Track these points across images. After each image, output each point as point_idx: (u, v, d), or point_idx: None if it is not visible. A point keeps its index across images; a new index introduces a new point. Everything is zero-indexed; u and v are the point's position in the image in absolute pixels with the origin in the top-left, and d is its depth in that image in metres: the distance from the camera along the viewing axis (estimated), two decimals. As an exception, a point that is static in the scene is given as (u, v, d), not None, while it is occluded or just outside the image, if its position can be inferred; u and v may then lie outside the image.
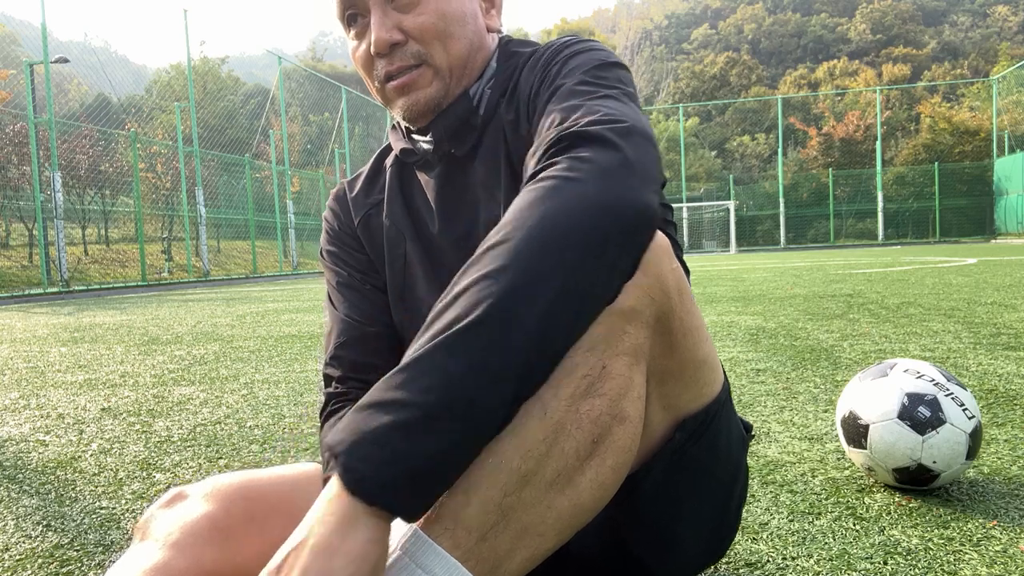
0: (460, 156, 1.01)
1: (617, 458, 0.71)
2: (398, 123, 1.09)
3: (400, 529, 0.67)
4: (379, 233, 1.10)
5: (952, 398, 1.46)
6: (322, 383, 1.06)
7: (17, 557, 1.38)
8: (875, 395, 1.51)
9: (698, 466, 0.89)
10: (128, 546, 0.78)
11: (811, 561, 1.23)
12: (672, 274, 0.76)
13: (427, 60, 0.96)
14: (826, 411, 2.24)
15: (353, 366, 1.03)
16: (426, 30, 0.95)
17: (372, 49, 0.95)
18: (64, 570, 1.31)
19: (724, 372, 0.93)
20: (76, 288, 13.41)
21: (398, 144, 1.08)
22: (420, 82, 0.97)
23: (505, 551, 0.68)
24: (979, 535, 1.30)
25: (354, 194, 1.14)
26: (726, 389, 0.93)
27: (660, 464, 0.84)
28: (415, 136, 1.04)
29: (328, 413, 1.01)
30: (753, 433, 1.13)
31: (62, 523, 1.55)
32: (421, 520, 0.66)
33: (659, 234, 0.75)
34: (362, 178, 1.15)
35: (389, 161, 1.12)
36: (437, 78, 0.98)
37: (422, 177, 1.07)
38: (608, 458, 0.71)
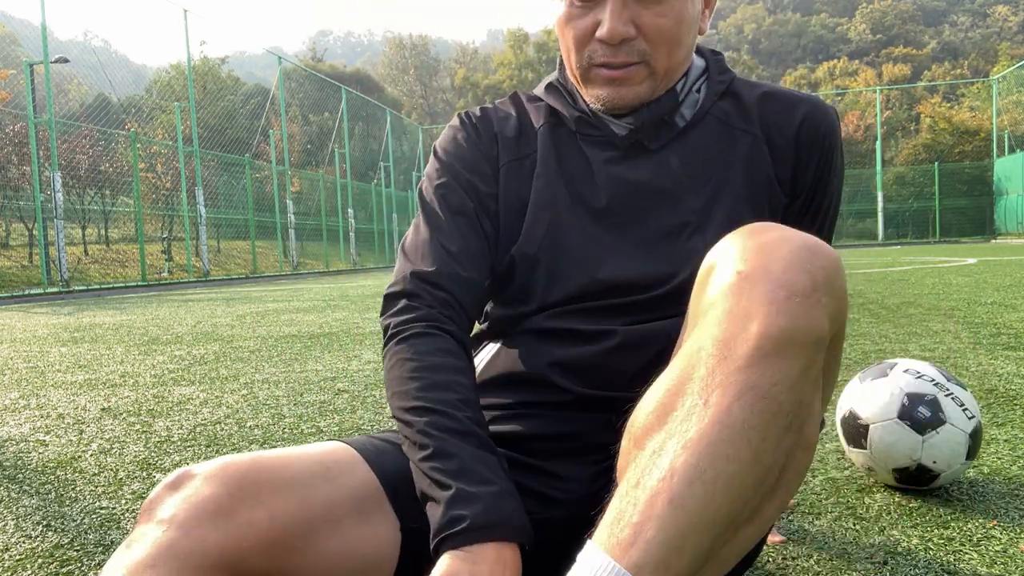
0: (651, 147, 1.00)
1: (797, 481, 0.71)
2: (559, 85, 1.05)
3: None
4: (524, 187, 1.03)
5: (952, 398, 1.46)
6: (393, 303, 0.98)
7: (17, 557, 1.38)
8: (875, 395, 1.51)
9: None
10: (132, 529, 0.76)
11: (811, 561, 1.23)
12: (846, 295, 0.73)
13: (648, 60, 0.94)
14: (826, 411, 2.23)
15: (442, 303, 0.97)
16: (662, 32, 0.93)
17: (603, 36, 0.91)
18: (64, 570, 1.31)
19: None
20: (76, 288, 13.40)
21: (567, 110, 1.04)
22: (634, 79, 0.95)
23: None
24: (979, 535, 1.30)
25: (504, 132, 1.06)
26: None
27: None
28: (603, 115, 1.01)
29: (405, 337, 0.94)
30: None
31: (62, 523, 1.55)
32: (631, 565, 0.64)
33: (835, 251, 0.73)
34: (511, 121, 1.07)
35: (538, 119, 1.06)
36: (650, 78, 0.96)
37: (590, 151, 1.02)
38: (792, 484, 0.70)
